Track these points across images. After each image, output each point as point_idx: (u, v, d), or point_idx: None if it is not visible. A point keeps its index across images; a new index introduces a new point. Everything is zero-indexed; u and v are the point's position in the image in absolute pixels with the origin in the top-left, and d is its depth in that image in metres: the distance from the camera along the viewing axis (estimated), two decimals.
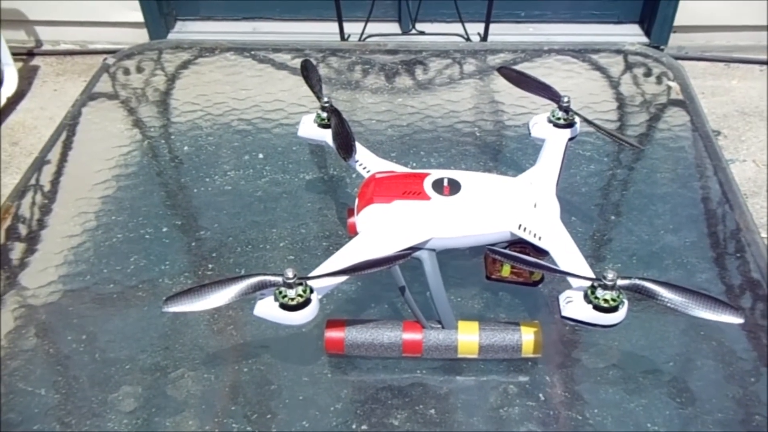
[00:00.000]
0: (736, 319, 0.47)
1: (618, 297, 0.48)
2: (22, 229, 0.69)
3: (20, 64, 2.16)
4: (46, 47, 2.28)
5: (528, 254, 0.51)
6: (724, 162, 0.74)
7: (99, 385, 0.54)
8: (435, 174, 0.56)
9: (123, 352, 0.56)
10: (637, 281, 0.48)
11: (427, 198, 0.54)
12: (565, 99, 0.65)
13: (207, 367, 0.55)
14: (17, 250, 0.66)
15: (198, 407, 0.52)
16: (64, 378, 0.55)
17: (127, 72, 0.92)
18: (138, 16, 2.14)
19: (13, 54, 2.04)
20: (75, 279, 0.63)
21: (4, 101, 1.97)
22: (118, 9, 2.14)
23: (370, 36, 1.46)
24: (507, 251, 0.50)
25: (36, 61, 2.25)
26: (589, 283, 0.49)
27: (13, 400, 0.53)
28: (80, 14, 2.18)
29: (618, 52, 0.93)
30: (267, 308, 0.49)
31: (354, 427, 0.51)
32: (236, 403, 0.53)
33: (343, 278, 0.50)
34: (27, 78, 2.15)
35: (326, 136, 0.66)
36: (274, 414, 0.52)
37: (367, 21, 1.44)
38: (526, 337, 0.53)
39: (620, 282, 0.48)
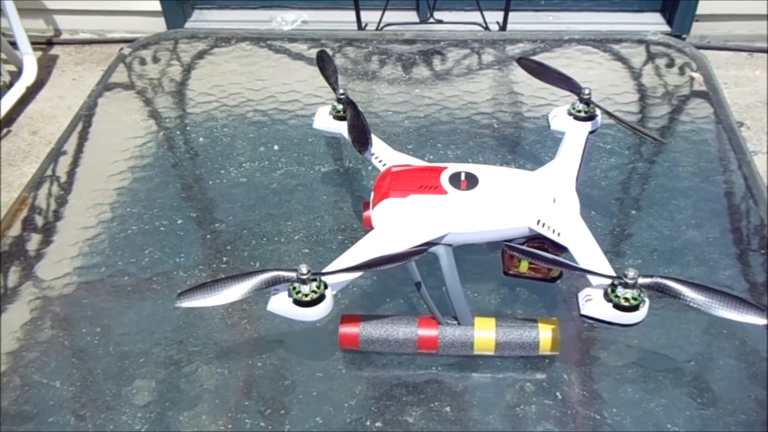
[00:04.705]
0: (761, 320, 0.46)
1: (639, 296, 0.47)
2: (39, 220, 0.69)
3: (39, 53, 2.18)
4: (64, 36, 2.29)
5: (546, 250, 0.50)
6: (749, 155, 0.73)
7: (113, 378, 0.54)
8: (452, 168, 0.55)
9: (137, 346, 0.56)
10: (659, 280, 0.47)
11: (444, 192, 0.53)
12: (586, 91, 0.64)
13: (221, 362, 0.55)
14: (33, 241, 0.66)
15: (211, 402, 0.52)
16: (79, 370, 0.55)
17: (143, 62, 0.91)
18: (155, 5, 2.14)
19: (32, 43, 2.05)
20: (90, 271, 0.63)
21: (23, 90, 1.98)
22: None
23: (387, 25, 1.45)
24: (525, 247, 0.49)
25: (55, 50, 2.26)
26: (609, 281, 0.48)
27: (28, 392, 0.53)
28: (98, 3, 2.18)
29: (640, 42, 0.92)
30: (281, 304, 0.48)
31: (368, 423, 0.50)
32: (250, 398, 0.52)
33: (358, 274, 0.50)
34: (46, 67, 2.16)
35: (342, 128, 0.65)
36: (287, 409, 0.51)
37: (384, 9, 1.43)
38: (544, 334, 0.52)
39: (641, 280, 0.47)
